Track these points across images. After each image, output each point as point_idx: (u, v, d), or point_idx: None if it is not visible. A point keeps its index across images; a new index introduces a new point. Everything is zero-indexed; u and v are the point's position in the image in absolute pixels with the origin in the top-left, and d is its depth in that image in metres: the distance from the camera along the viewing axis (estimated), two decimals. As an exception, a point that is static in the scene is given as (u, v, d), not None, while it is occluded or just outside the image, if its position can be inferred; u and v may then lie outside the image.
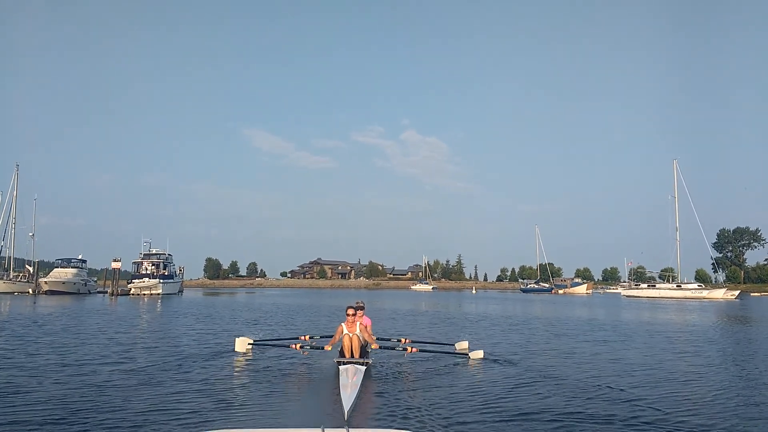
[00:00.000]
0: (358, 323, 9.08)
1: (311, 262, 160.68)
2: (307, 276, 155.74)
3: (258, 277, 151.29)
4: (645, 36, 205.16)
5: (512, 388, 8.00)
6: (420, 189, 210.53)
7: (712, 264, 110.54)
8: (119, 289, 55.17)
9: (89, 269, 76.31)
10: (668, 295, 66.71)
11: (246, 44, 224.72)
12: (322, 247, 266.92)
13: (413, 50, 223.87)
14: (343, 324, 9.08)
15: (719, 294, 65.24)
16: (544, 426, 5.92)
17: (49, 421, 5.84)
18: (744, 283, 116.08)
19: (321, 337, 11.48)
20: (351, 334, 8.81)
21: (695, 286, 71.70)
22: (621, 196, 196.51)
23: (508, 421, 6.09)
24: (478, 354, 10.70)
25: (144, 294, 53.73)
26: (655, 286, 73.19)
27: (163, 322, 20.74)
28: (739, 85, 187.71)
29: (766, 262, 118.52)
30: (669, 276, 74.40)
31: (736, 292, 67.26)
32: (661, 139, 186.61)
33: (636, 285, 77.92)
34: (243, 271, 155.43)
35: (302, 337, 11.19)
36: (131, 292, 54.29)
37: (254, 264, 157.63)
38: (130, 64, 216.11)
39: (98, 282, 71.32)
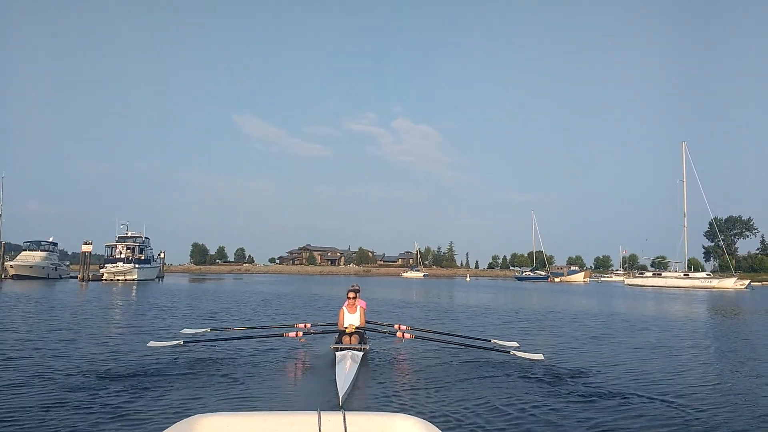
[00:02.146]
0: (359, 306, 9.13)
1: (300, 248, 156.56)
2: (296, 262, 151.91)
3: (246, 263, 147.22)
4: (642, 18, 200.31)
5: (548, 391, 6.78)
6: (412, 177, 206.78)
7: (704, 252, 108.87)
8: (91, 275, 51.27)
9: (69, 253, 72.19)
10: (675, 284, 63.48)
11: (235, 29, 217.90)
12: (313, 234, 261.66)
13: (405, 36, 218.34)
14: (344, 307, 9.13)
15: (729, 283, 62.07)
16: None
17: None
18: (736, 272, 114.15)
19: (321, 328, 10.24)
20: (349, 324, 8.85)
21: (704, 274, 68.70)
22: (613, 185, 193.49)
23: None
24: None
25: (118, 279, 50.07)
26: (660, 274, 69.97)
27: (96, 315, 16.78)
28: (739, 75, 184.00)
29: (758, 252, 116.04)
30: (673, 264, 71.43)
31: (746, 282, 63.99)
32: (660, 128, 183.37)
33: (640, 273, 74.84)
34: (231, 257, 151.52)
35: (301, 325, 10.45)
36: (104, 277, 50.75)
37: (242, 249, 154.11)
38: (118, 50, 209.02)
39: (71, 267, 67.66)
